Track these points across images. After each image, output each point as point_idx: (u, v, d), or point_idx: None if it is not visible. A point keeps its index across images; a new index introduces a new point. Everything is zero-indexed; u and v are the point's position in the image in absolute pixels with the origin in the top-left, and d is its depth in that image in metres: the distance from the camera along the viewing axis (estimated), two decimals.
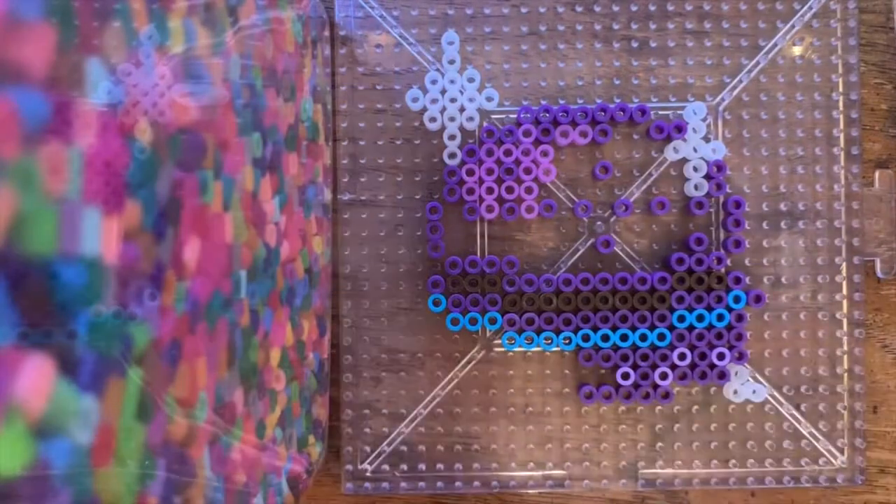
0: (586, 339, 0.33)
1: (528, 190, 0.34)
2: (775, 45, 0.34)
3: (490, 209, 0.34)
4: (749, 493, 0.35)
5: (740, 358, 0.33)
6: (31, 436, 0.14)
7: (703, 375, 0.33)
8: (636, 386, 0.33)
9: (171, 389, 0.19)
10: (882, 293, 0.35)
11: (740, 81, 0.34)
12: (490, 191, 0.34)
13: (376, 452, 0.35)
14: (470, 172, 0.34)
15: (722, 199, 0.34)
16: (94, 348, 0.15)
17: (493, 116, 0.34)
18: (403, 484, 0.34)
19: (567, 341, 0.33)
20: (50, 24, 0.14)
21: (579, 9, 0.35)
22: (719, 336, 0.33)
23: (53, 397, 0.14)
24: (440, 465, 0.34)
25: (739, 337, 0.33)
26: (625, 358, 0.33)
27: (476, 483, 0.34)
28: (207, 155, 0.22)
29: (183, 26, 0.20)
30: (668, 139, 0.34)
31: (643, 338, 0.33)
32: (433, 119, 0.34)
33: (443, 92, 0.34)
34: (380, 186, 0.35)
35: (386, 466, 0.34)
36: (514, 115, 0.34)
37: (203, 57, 0.22)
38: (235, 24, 0.24)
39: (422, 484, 0.34)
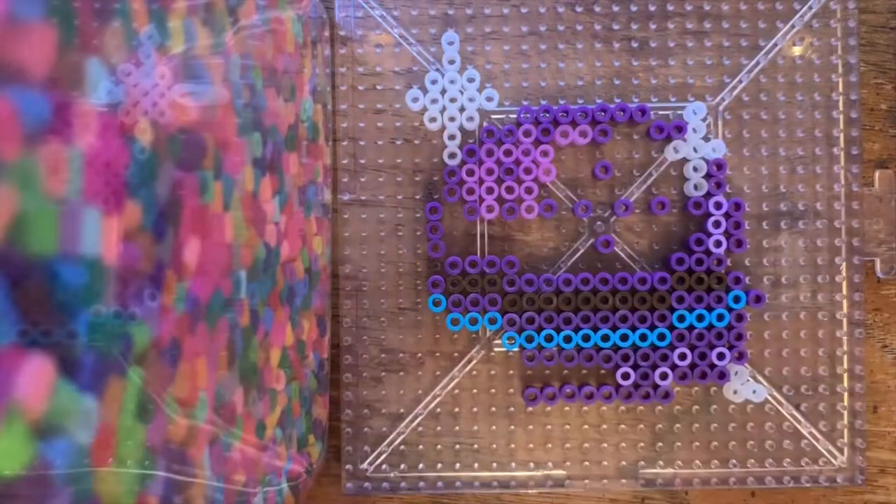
0: (586, 339, 0.33)
1: (528, 190, 0.34)
2: (775, 45, 0.34)
3: (490, 209, 0.34)
4: (749, 493, 0.35)
5: (740, 358, 0.33)
6: (31, 436, 0.13)
7: (703, 375, 0.33)
8: (636, 386, 0.33)
9: (171, 389, 0.19)
10: (882, 293, 0.35)
11: (740, 81, 0.34)
12: (490, 191, 0.34)
13: (376, 452, 0.35)
14: (470, 172, 0.34)
15: (722, 200, 0.34)
16: (94, 348, 0.15)
17: (493, 116, 0.34)
18: (403, 484, 0.34)
19: (567, 340, 0.33)
20: (50, 24, 0.14)
21: (579, 9, 0.35)
22: (719, 336, 0.33)
23: (53, 397, 0.14)
24: (440, 465, 0.34)
25: (739, 337, 0.33)
26: (625, 358, 0.33)
27: (476, 483, 0.34)
28: (207, 155, 0.22)
29: (183, 26, 0.20)
30: (668, 139, 0.34)
31: (643, 338, 0.33)
32: (433, 119, 0.34)
33: (443, 92, 0.34)
34: (380, 186, 0.35)
35: (386, 466, 0.34)
36: (514, 115, 0.34)
37: (203, 57, 0.22)
38: (235, 24, 0.24)
39: (422, 484, 0.34)
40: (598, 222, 0.35)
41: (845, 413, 0.34)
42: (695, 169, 0.34)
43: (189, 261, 0.20)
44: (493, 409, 0.35)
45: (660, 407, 0.34)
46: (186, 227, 0.20)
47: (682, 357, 0.33)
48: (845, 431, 0.34)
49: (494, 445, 0.34)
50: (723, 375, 0.33)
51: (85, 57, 0.15)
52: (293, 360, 0.30)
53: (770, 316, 0.34)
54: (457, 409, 0.35)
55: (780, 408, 0.34)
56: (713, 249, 0.33)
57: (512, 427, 0.34)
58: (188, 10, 0.20)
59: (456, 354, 0.35)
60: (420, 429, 0.35)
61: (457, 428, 0.35)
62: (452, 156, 0.34)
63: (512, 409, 0.34)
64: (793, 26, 0.34)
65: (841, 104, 0.34)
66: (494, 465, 0.34)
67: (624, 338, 0.33)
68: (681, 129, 0.34)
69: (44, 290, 0.14)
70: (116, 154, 0.16)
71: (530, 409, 0.34)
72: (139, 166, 0.17)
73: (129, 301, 0.17)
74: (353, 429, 0.35)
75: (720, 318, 0.33)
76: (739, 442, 0.34)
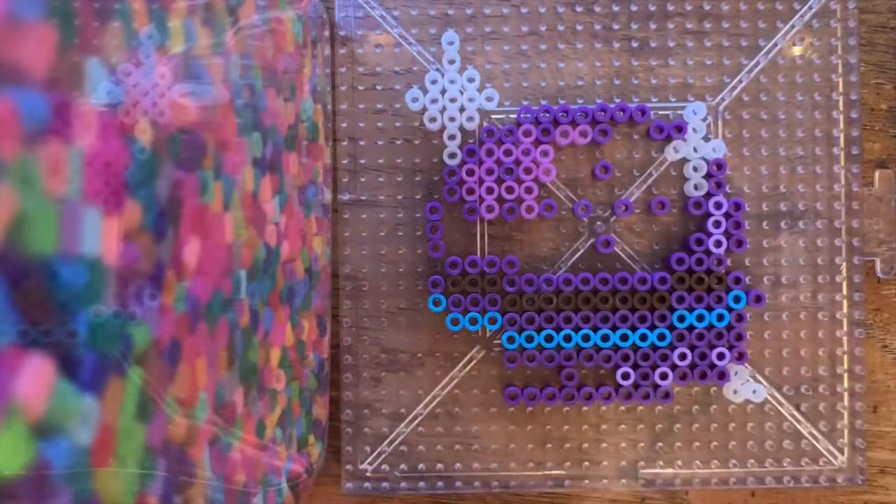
0: (586, 339, 0.33)
1: (528, 190, 0.34)
2: (775, 45, 0.34)
3: (490, 209, 0.34)
4: (749, 493, 0.35)
5: (740, 358, 0.33)
6: (31, 436, 0.14)
7: (703, 375, 0.33)
8: (636, 386, 0.33)
9: (171, 389, 0.19)
10: (882, 293, 0.35)
11: (740, 81, 0.34)
12: (490, 191, 0.34)
13: (376, 452, 0.35)
14: (470, 172, 0.34)
15: (722, 200, 0.34)
16: (94, 348, 0.15)
17: (493, 116, 0.34)
18: (403, 484, 0.34)
19: (567, 339, 0.33)
20: (50, 24, 0.14)
21: (579, 9, 0.35)
22: (719, 336, 0.33)
23: (53, 397, 0.14)
24: (440, 465, 0.34)
25: (739, 337, 0.33)
26: (625, 358, 0.33)
27: (476, 483, 0.34)
28: (207, 155, 0.22)
29: (183, 26, 0.20)
30: (668, 139, 0.34)
31: (643, 338, 0.33)
32: (433, 119, 0.34)
33: (443, 92, 0.34)
34: (380, 186, 0.35)
35: (386, 466, 0.34)
36: (514, 115, 0.34)
37: (203, 57, 0.22)
38: (235, 24, 0.24)
39: (422, 484, 0.34)
40: (598, 222, 0.35)
41: (845, 413, 0.34)
42: (695, 169, 0.34)
43: (189, 261, 0.20)
44: (494, 409, 0.35)
45: (660, 407, 0.34)
46: (186, 227, 0.20)
47: (682, 357, 0.33)
48: (845, 431, 0.34)
49: (494, 445, 0.34)
50: (723, 375, 0.33)
51: (85, 57, 0.15)
52: (293, 360, 0.30)
53: (770, 316, 0.34)
54: (457, 409, 0.35)
55: (780, 408, 0.34)
56: (713, 249, 0.33)
57: (512, 427, 0.34)
58: (188, 10, 0.20)
59: (456, 354, 0.35)
60: (420, 429, 0.35)
61: (457, 428, 0.35)
62: (452, 156, 0.34)
63: (512, 409, 0.34)
64: (793, 26, 0.34)
65: (841, 104, 0.34)
66: (494, 465, 0.34)
67: (624, 338, 0.33)
68: (681, 129, 0.34)
69: (44, 290, 0.14)
70: (116, 154, 0.16)
71: (530, 408, 0.34)
72: (139, 166, 0.17)
73: (129, 301, 0.17)
74: (353, 429, 0.35)
75: (720, 318, 0.33)
76: (739, 442, 0.34)
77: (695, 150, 0.34)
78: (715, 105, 0.34)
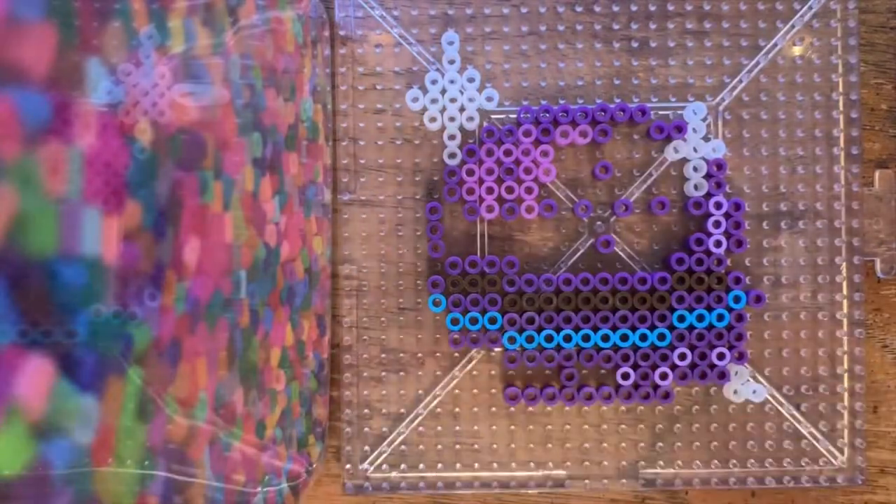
0: (586, 339, 0.33)
1: (528, 190, 0.34)
2: (775, 45, 0.34)
3: (490, 209, 0.34)
4: (749, 493, 0.35)
5: (740, 358, 0.33)
6: (31, 436, 0.14)
7: (703, 375, 0.33)
8: (636, 386, 0.33)
9: (171, 389, 0.19)
10: (882, 293, 0.35)
11: (740, 81, 0.34)
12: (490, 191, 0.34)
13: (376, 452, 0.35)
14: (470, 172, 0.34)
15: (722, 200, 0.34)
16: (94, 348, 0.15)
17: (493, 116, 0.34)
18: (403, 484, 0.34)
19: (567, 339, 0.33)
20: (50, 24, 0.14)
21: (579, 9, 0.35)
22: (719, 336, 0.33)
23: (53, 397, 0.14)
24: (440, 465, 0.34)
25: (739, 337, 0.33)
26: (625, 358, 0.33)
27: (476, 483, 0.34)
28: (207, 155, 0.22)
29: (183, 26, 0.20)
30: (668, 139, 0.34)
31: (643, 338, 0.33)
32: (433, 119, 0.34)
33: (443, 92, 0.34)
34: (380, 186, 0.35)
35: (386, 466, 0.34)
36: (514, 115, 0.34)
37: (203, 57, 0.22)
38: (235, 24, 0.24)
39: (422, 484, 0.34)
40: (598, 222, 0.35)
41: (845, 413, 0.34)
42: (695, 169, 0.34)
43: (189, 261, 0.20)
44: (494, 408, 0.34)
45: (660, 407, 0.34)
46: (186, 227, 0.20)
47: (682, 357, 0.33)
48: (845, 431, 0.34)
49: (494, 445, 0.34)
50: (723, 375, 0.33)
51: (85, 57, 0.15)
52: (293, 360, 0.30)
53: (770, 316, 0.34)
54: (457, 409, 0.35)
55: (780, 408, 0.34)
56: (713, 249, 0.33)
57: (512, 427, 0.34)
58: (188, 10, 0.20)
59: (456, 354, 0.35)
60: (420, 429, 0.35)
61: (457, 428, 0.35)
62: (452, 156, 0.34)
63: (512, 409, 0.34)
64: (793, 26, 0.34)
65: (841, 104, 0.34)
66: (494, 465, 0.34)
67: (624, 338, 0.33)
68: (681, 129, 0.34)
69: (44, 290, 0.14)
70: (116, 154, 0.16)
71: (530, 408, 0.34)
72: (139, 166, 0.17)
73: (129, 301, 0.17)
74: (353, 429, 0.35)
75: (720, 318, 0.33)
76: (739, 442, 0.34)
77: (695, 150, 0.34)
78: (715, 105, 0.34)
